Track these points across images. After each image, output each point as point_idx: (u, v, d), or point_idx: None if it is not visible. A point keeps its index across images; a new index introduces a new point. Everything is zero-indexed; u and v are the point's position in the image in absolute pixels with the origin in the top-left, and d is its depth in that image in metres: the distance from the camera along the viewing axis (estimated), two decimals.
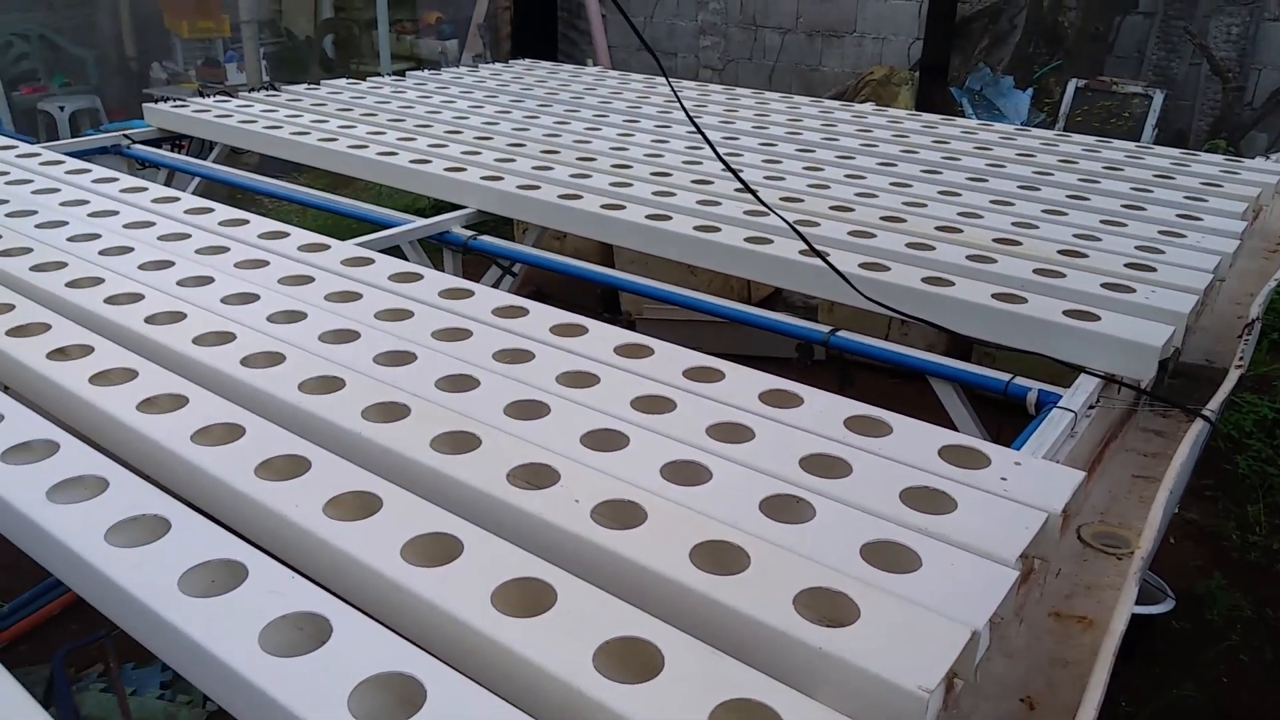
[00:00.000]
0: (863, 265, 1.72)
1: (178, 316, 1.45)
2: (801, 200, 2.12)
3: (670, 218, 1.99)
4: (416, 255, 2.19)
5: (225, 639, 0.81)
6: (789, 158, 2.52)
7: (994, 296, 1.62)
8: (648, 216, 2.00)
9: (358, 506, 1.01)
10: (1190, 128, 6.37)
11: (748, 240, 1.84)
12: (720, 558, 0.93)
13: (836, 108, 3.25)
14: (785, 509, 1.02)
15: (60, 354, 1.33)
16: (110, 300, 1.50)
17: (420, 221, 2.17)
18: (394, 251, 2.02)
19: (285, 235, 1.85)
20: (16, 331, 1.39)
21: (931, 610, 0.87)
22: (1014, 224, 2.00)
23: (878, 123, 2.97)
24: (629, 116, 2.98)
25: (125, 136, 2.83)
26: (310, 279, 1.62)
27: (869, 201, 2.12)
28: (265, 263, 1.69)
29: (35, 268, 1.62)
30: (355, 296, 1.56)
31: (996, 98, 6.24)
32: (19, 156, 2.35)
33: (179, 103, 2.95)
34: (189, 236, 1.81)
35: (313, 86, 3.29)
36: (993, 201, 2.15)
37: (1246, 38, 6.07)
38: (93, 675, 2.47)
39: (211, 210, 1.97)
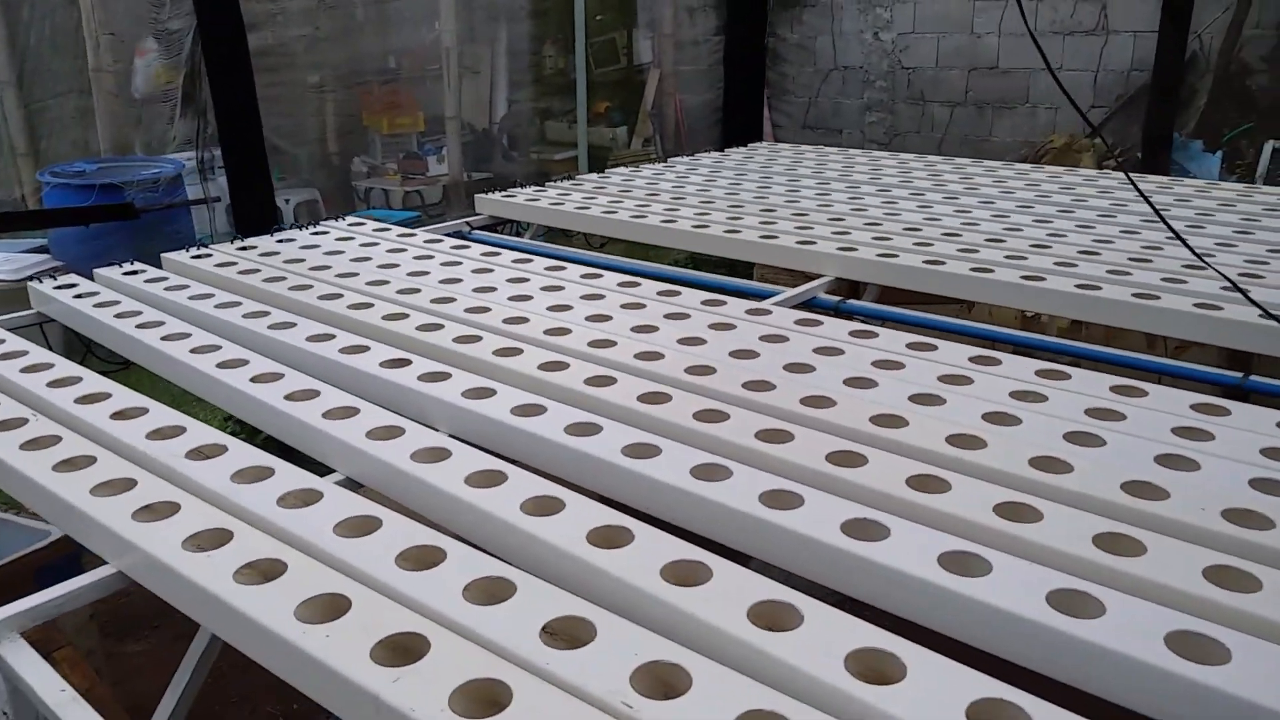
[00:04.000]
0: None
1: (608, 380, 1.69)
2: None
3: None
4: None
5: None
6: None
7: None
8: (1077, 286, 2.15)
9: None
10: None
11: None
12: None
13: (1091, 178, 3.41)
14: None
15: (525, 409, 1.57)
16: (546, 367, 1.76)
17: (791, 291, 2.41)
18: None
19: (686, 317, 2.10)
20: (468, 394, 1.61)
21: None
22: None
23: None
24: (947, 194, 3.17)
25: (466, 224, 3.19)
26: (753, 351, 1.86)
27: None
28: (702, 340, 1.93)
29: (497, 351, 1.84)
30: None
31: (1186, 161, 6.28)
32: (400, 236, 2.70)
33: (507, 194, 3.30)
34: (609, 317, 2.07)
35: (604, 175, 3.63)
36: None
37: None
38: None
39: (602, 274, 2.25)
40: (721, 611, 1.00)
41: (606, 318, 1.97)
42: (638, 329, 1.89)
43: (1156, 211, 2.09)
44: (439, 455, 1.38)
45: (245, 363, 1.76)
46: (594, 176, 3.63)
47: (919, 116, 8.10)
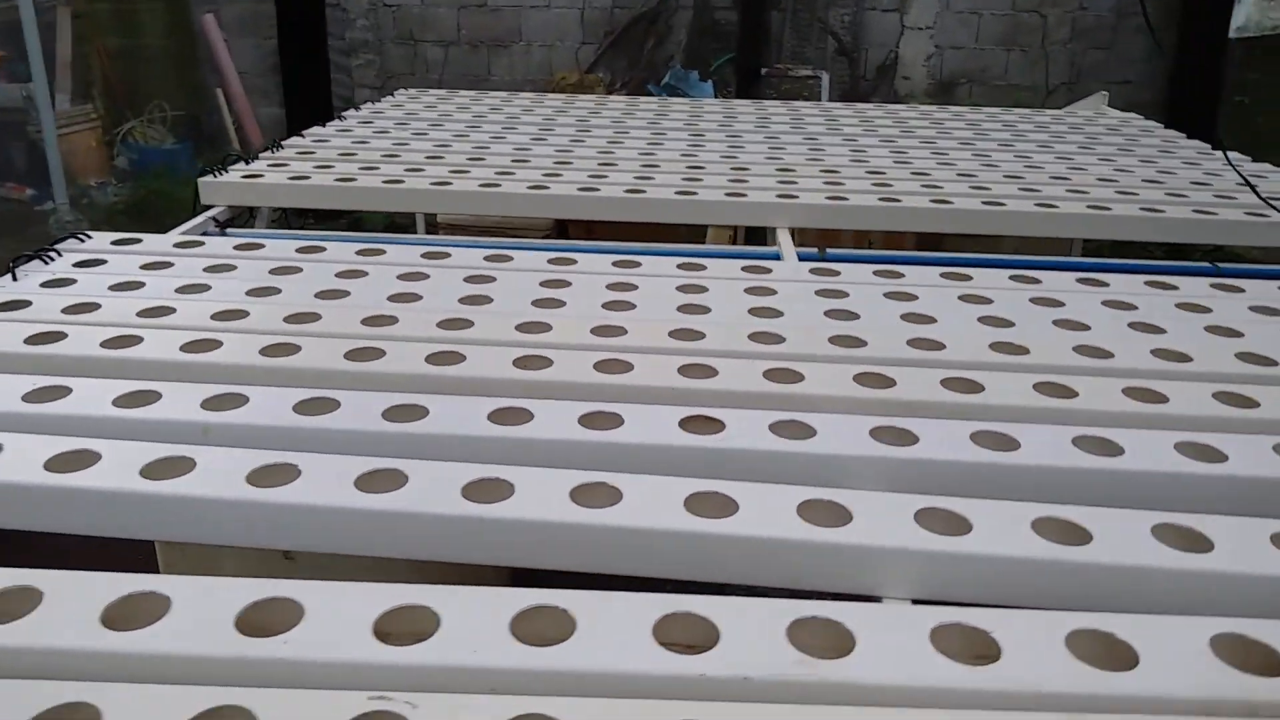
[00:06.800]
0: None
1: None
2: None
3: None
4: None
5: None
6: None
7: None
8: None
9: None
10: (822, 99, 7.65)
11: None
12: None
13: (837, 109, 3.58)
14: None
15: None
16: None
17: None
18: None
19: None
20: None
21: None
22: None
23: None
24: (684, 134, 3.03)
25: (215, 221, 2.24)
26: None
27: None
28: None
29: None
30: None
31: (689, 89, 6.91)
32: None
33: (248, 174, 2.38)
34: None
35: (304, 137, 2.80)
36: None
37: (856, 24, 7.45)
38: None
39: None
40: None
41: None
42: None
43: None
44: None
45: None
46: (298, 140, 2.79)
47: (412, 58, 7.67)
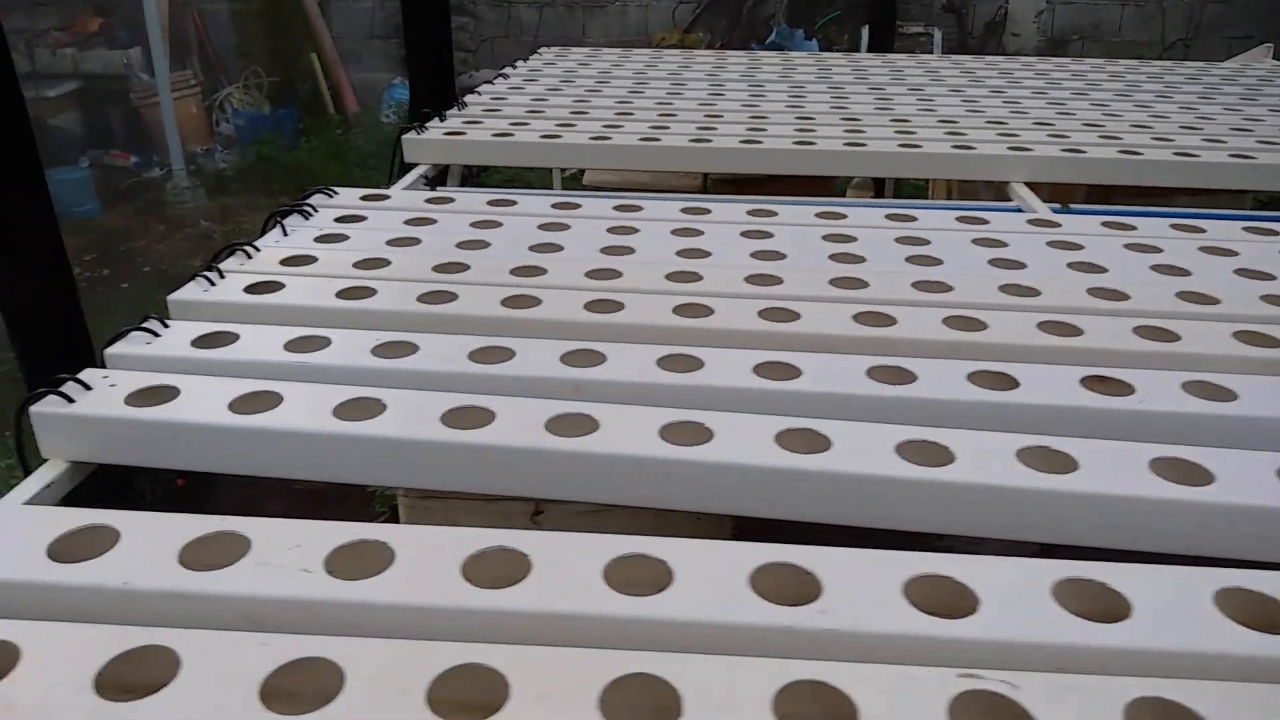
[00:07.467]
0: None
1: None
2: None
3: None
4: None
5: None
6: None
7: None
8: None
9: None
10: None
11: None
12: None
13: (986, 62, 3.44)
14: None
15: None
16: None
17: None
18: None
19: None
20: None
21: None
22: None
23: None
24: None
25: (424, 178, 2.19)
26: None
27: None
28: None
29: None
30: None
31: (794, 47, 6.74)
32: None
33: (452, 133, 2.32)
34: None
35: (477, 95, 2.74)
36: None
37: None
38: None
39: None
40: None
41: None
42: None
43: None
44: None
45: None
46: (474, 97, 2.72)
47: (505, 20, 7.58)
